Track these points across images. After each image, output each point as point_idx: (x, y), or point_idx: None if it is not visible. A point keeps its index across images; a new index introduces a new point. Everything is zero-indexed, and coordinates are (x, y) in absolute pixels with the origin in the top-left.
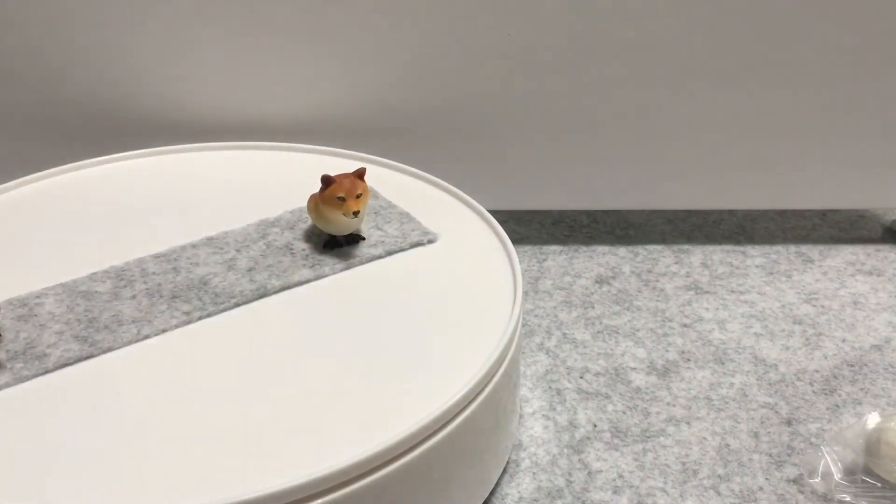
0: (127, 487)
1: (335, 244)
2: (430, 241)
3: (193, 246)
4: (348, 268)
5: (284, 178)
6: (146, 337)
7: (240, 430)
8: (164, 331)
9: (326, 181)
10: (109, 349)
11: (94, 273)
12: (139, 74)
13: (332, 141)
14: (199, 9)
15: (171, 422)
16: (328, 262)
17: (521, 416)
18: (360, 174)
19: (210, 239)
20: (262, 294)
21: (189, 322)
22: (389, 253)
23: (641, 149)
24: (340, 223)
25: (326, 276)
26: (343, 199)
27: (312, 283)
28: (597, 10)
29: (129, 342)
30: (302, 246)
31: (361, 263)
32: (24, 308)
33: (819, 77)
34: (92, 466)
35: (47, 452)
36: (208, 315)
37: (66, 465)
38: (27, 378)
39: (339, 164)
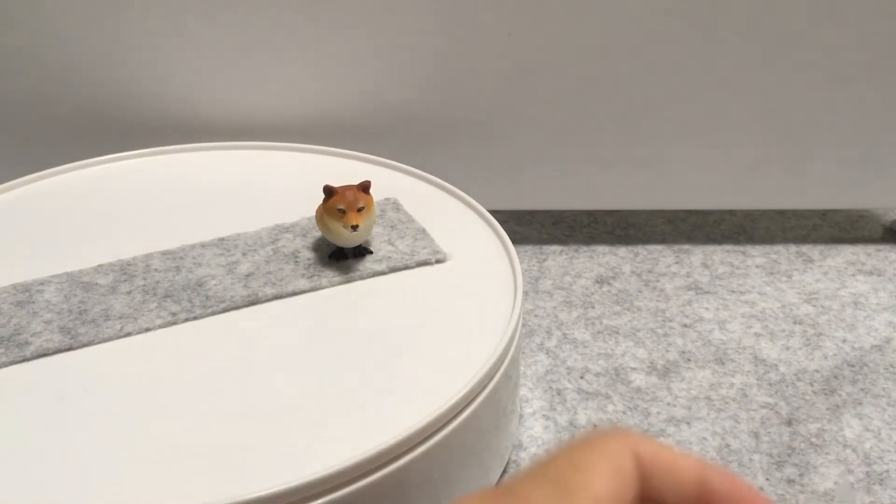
0: (119, 487)
1: (341, 256)
2: (438, 261)
3: (203, 246)
4: (347, 282)
5: (304, 180)
6: (128, 334)
7: (239, 431)
8: (147, 329)
9: (329, 192)
10: (89, 343)
11: (101, 265)
12: (139, 74)
13: (331, 141)
14: (199, 9)
15: (159, 422)
16: (328, 274)
17: (521, 417)
18: (364, 187)
19: (221, 240)
20: (254, 301)
21: (174, 323)
22: (393, 270)
23: (641, 149)
24: (343, 235)
25: (323, 288)
26: (343, 212)
27: (308, 294)
28: (597, 10)
29: (110, 338)
30: (308, 255)
31: (362, 278)
32: (26, 294)
33: (820, 77)
34: (68, 464)
35: (11, 444)
36: (195, 318)
37: (41, 461)
38: (3, 365)
39: (349, 166)
